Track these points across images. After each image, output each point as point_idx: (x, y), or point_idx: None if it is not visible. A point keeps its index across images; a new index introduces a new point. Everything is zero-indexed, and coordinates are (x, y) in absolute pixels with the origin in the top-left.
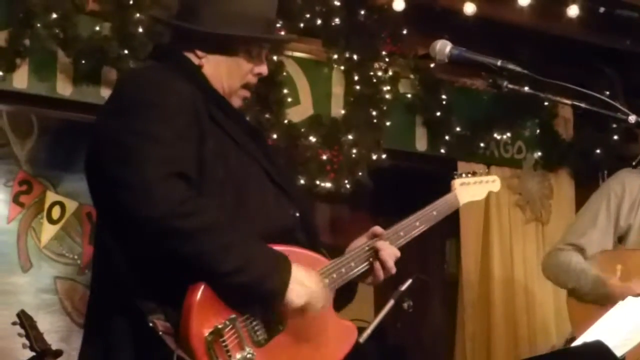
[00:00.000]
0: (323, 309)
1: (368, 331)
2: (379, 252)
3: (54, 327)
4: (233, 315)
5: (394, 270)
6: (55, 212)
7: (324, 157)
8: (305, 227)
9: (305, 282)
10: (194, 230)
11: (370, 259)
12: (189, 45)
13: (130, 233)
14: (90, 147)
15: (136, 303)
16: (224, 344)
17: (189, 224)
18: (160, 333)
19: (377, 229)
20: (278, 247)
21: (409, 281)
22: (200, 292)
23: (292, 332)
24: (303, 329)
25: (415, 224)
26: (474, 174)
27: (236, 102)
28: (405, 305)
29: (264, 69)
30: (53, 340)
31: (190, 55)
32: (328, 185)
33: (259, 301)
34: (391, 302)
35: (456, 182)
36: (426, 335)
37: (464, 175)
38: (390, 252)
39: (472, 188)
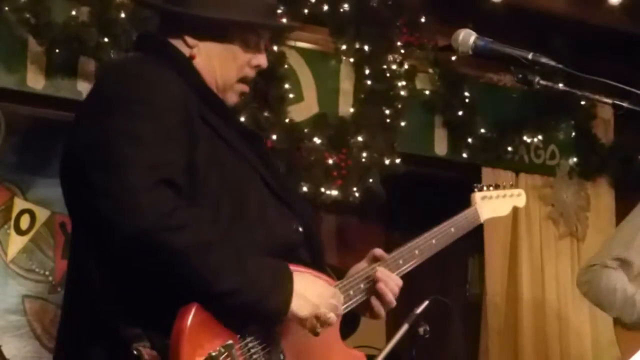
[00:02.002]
0: (334, 320)
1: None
2: (377, 283)
3: (21, 353)
4: (230, 342)
5: (394, 304)
6: (24, 222)
7: (330, 162)
8: (310, 244)
9: (309, 292)
10: (185, 246)
11: (368, 290)
12: (178, 32)
13: (111, 247)
14: (66, 149)
15: (118, 328)
16: None
17: (179, 239)
18: None
19: (377, 251)
20: None
21: (426, 303)
22: (192, 314)
23: None
24: (306, 357)
25: (432, 242)
26: (496, 186)
27: (232, 99)
28: (421, 330)
29: (263, 61)
30: None
31: (180, 44)
32: (334, 193)
33: (260, 321)
34: (405, 327)
35: (477, 196)
36: None
37: (485, 187)
38: (390, 283)
39: (494, 202)
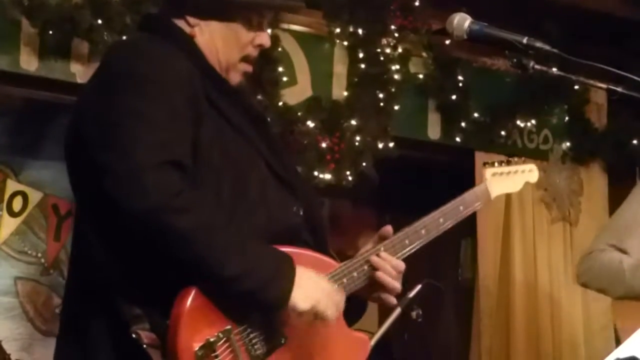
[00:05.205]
0: (334, 317)
1: (371, 343)
2: (376, 272)
3: (13, 335)
4: (228, 327)
5: (397, 289)
6: (17, 204)
7: (324, 145)
8: (311, 227)
9: (311, 286)
10: (189, 229)
11: (370, 273)
12: (179, 11)
13: (115, 225)
14: (71, 126)
15: (118, 307)
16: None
17: (184, 222)
18: (145, 346)
19: (385, 230)
20: (282, 248)
21: (418, 287)
22: (190, 299)
23: (296, 346)
24: (307, 341)
25: (439, 221)
26: (508, 162)
27: (235, 78)
28: (413, 314)
29: (265, 40)
30: (12, 349)
31: (181, 23)
32: (327, 176)
33: (259, 310)
34: (398, 311)
35: (487, 172)
36: (437, 348)
37: (496, 164)
38: (389, 270)
39: (505, 179)
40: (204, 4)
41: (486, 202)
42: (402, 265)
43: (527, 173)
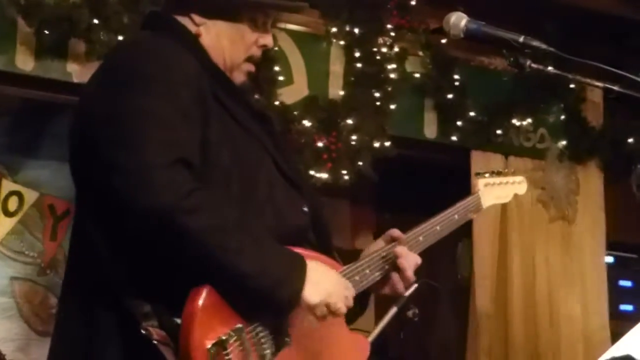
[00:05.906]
0: (344, 310)
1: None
2: (398, 258)
3: (9, 335)
4: (239, 325)
5: (413, 279)
6: (12, 204)
7: (320, 144)
8: (316, 226)
9: (322, 280)
10: (201, 230)
11: (387, 267)
12: (184, 10)
13: (124, 224)
14: (75, 127)
15: (126, 305)
16: (227, 357)
17: (196, 222)
18: (155, 342)
19: (395, 232)
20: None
21: (415, 286)
22: (203, 297)
23: (300, 346)
24: (311, 342)
25: (436, 228)
26: (498, 173)
27: (239, 78)
28: (410, 313)
29: (269, 41)
30: (8, 350)
31: (187, 22)
32: (324, 176)
33: (270, 308)
34: (394, 310)
35: (480, 183)
36: (433, 347)
37: (487, 174)
38: (410, 260)
39: (496, 189)
40: (211, 3)
41: (478, 212)
42: (419, 260)
43: (517, 184)
